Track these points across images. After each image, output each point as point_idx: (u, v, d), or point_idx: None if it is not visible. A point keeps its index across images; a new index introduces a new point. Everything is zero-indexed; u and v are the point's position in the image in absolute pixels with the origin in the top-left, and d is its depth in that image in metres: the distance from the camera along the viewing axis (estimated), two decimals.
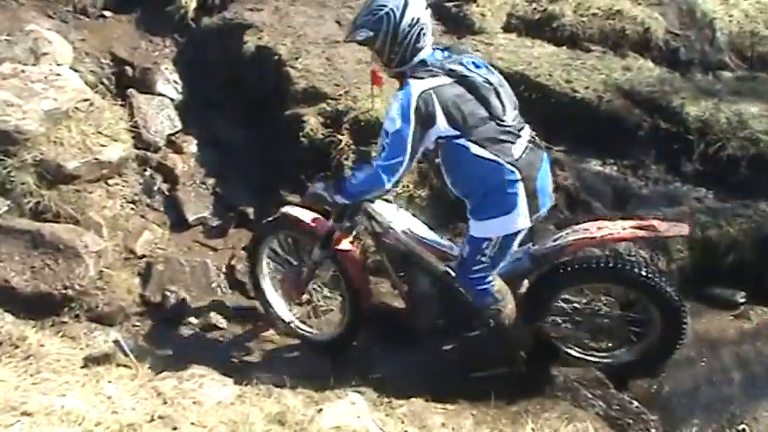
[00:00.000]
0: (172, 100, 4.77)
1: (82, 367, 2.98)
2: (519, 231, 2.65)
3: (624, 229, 2.75)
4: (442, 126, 2.44)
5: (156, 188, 4.39)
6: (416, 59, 2.52)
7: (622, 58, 5.30)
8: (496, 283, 2.75)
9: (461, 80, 2.47)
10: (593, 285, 2.96)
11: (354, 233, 3.12)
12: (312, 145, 4.39)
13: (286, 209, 3.29)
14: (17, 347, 3.12)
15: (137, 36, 5.31)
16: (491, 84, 2.53)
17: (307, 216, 3.15)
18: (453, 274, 2.83)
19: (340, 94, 4.47)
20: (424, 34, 2.49)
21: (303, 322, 3.50)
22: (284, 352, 3.54)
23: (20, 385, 2.75)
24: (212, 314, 3.64)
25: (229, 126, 4.65)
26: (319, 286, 3.55)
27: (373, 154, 3.46)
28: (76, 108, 4.43)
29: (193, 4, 5.22)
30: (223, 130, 4.68)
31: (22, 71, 4.54)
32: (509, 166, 2.51)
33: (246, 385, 3.00)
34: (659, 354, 2.98)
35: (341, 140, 4.39)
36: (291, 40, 4.93)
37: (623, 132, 4.68)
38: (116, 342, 3.17)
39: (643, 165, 4.57)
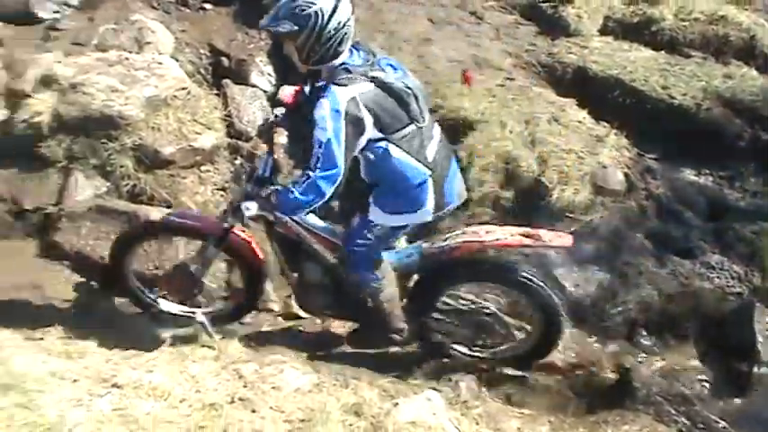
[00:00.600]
0: (265, 92, 4.87)
1: (169, 345, 3.08)
2: (408, 225, 2.87)
3: (512, 235, 2.90)
4: (370, 131, 2.52)
5: (245, 178, 4.44)
6: (335, 61, 2.56)
7: (724, 66, 5.09)
8: (380, 264, 2.88)
9: (383, 86, 2.52)
10: (477, 284, 3.13)
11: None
12: None
13: (159, 216, 3.43)
14: (111, 322, 3.26)
15: (234, 28, 5.47)
16: (410, 89, 2.59)
17: (188, 217, 3.30)
18: (341, 262, 2.96)
19: None
20: (347, 38, 2.53)
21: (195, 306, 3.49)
22: None
23: (111, 358, 2.89)
24: (293, 303, 3.69)
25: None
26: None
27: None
28: (175, 96, 4.61)
29: None
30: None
31: (127, 59, 4.76)
32: (423, 168, 2.65)
33: (324, 375, 3.04)
34: (537, 352, 3.16)
35: None
36: (384, 36, 4.97)
37: (721, 142, 4.50)
38: (201, 323, 3.23)
39: (741, 176, 4.40)
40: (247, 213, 2.79)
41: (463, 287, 3.13)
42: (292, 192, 2.64)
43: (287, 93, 3.07)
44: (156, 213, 3.57)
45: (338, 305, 3.13)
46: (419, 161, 2.65)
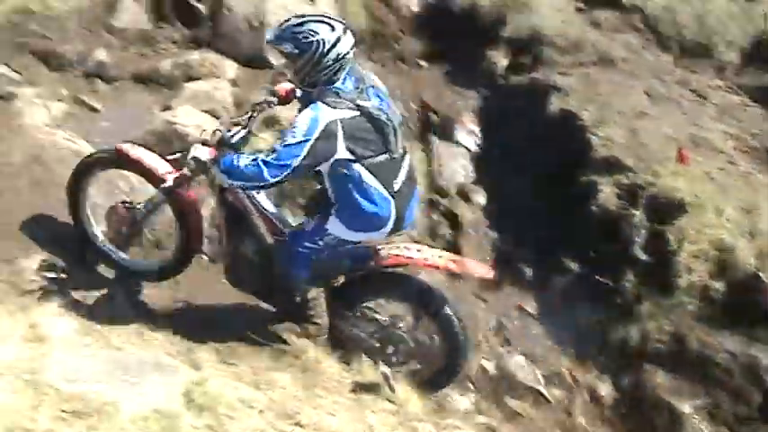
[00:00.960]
0: (468, 150, 4.96)
1: (350, 391, 3.12)
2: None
3: (440, 257, 3.06)
4: (341, 154, 2.65)
5: (440, 233, 4.55)
6: (329, 87, 2.68)
7: None
8: (315, 265, 3.00)
9: (367, 115, 2.67)
10: (394, 300, 3.22)
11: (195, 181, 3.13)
12: (603, 215, 4.30)
13: (125, 146, 3.23)
14: (298, 358, 3.32)
15: (444, 86, 5.66)
16: (391, 121, 2.75)
17: (150, 159, 3.17)
18: (278, 244, 3.04)
19: None
20: (343, 69, 2.68)
21: (125, 252, 3.49)
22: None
23: (296, 395, 2.95)
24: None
25: (521, 184, 4.71)
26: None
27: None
28: None
29: (505, 62, 5.44)
30: (514, 187, 4.76)
31: None
32: (388, 195, 2.81)
33: None
34: (444, 375, 3.31)
35: (634, 215, 4.24)
36: (596, 107, 4.89)
37: None
38: (384, 375, 3.21)
39: None
40: (194, 152, 2.88)
41: (386, 300, 3.24)
42: (239, 159, 2.73)
43: (283, 87, 3.20)
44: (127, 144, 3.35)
45: (264, 287, 3.19)
46: (386, 188, 2.79)
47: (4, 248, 3.39)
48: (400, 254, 3.05)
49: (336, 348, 3.33)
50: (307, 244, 2.97)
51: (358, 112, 2.69)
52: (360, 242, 3.03)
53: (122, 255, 3.52)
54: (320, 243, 2.97)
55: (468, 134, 5.29)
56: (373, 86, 2.87)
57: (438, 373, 3.32)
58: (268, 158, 2.67)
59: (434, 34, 5.96)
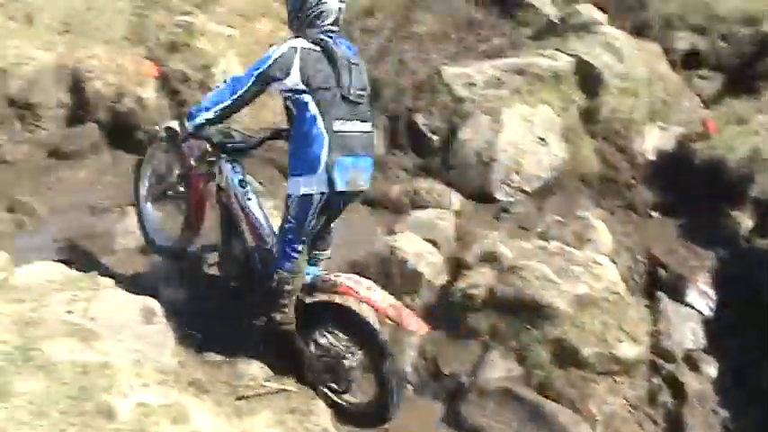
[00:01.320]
0: (701, 314, 4.56)
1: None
2: (314, 196, 2.98)
3: (384, 301, 3.13)
4: (295, 78, 2.89)
5: (660, 400, 4.15)
6: (321, 31, 3.01)
7: None
8: (300, 259, 3.17)
9: (325, 50, 2.93)
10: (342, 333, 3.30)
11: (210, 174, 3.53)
12: None
13: (173, 123, 3.63)
14: None
15: (677, 240, 5.34)
16: (349, 62, 2.97)
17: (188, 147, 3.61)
18: (258, 249, 3.35)
19: None
20: (323, 16, 3.00)
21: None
22: None
23: None
24: None
25: (760, 359, 4.15)
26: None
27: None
28: (605, 298, 4.59)
29: (750, 224, 5.00)
30: (751, 362, 4.20)
31: (566, 252, 4.95)
32: (326, 133, 2.90)
33: None
34: (366, 417, 3.37)
35: None
36: None
37: None
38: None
39: None
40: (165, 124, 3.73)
41: (336, 330, 3.31)
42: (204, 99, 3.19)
43: None
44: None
45: (245, 282, 3.42)
46: (326, 127, 2.90)
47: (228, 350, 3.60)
48: (350, 286, 3.15)
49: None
50: (287, 227, 3.13)
51: (319, 48, 2.96)
52: (311, 202, 3.01)
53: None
54: (290, 218, 3.09)
55: (701, 296, 4.87)
56: (348, 42, 3.20)
57: (368, 409, 3.40)
58: (227, 81, 3.10)
59: (669, 185, 5.74)
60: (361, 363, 3.35)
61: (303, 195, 3.02)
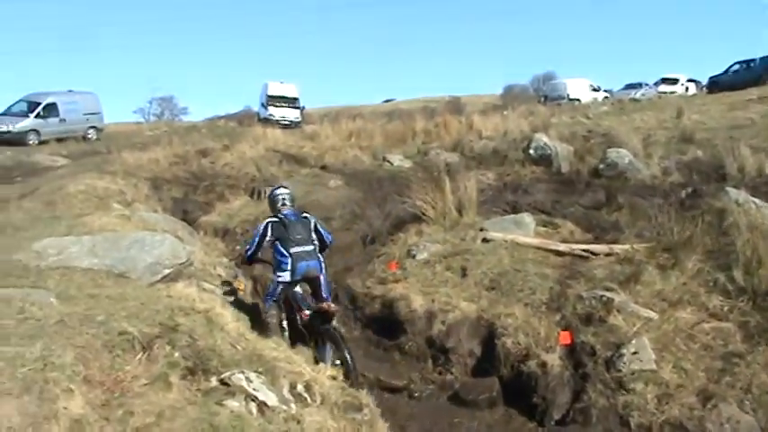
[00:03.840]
0: None
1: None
2: (286, 282, 6.63)
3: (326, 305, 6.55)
4: (269, 236, 6.60)
5: None
6: (279, 211, 6.80)
7: None
8: (273, 302, 6.75)
9: (282, 221, 6.62)
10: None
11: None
12: None
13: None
14: None
15: None
16: (295, 223, 6.68)
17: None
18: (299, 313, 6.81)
19: None
20: (283, 204, 6.90)
21: None
22: None
23: None
24: None
25: None
26: None
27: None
28: None
29: None
30: None
31: None
32: (287, 253, 6.51)
33: None
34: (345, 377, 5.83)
35: None
36: None
37: None
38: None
39: None
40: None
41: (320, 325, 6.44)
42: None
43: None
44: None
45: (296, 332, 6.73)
46: (288, 251, 6.53)
47: None
48: (324, 306, 6.44)
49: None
50: (268, 293, 6.94)
51: (279, 219, 6.67)
52: (290, 282, 6.65)
53: None
54: (271, 290, 6.81)
55: None
56: (295, 214, 6.91)
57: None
58: (247, 246, 7.00)
59: None
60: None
61: (280, 283, 6.64)
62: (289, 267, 6.51)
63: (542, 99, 39.17)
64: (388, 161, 17.44)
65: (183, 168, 18.19)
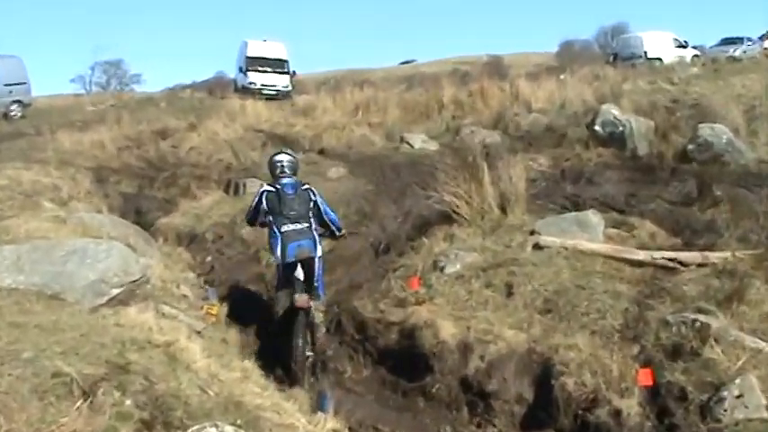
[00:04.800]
0: None
1: None
2: (281, 265, 8.11)
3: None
4: (264, 206, 8.17)
5: None
6: (278, 180, 8.32)
7: None
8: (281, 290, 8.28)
9: (278, 192, 8.08)
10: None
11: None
12: None
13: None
14: None
15: None
16: (290, 197, 8.07)
17: None
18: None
19: None
20: (282, 173, 8.37)
21: None
22: None
23: None
24: None
25: None
26: None
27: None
28: None
29: None
30: None
31: None
32: (278, 233, 7.95)
33: None
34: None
35: None
36: None
37: None
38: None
39: None
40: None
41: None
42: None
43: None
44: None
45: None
46: (279, 230, 7.93)
47: None
48: (297, 301, 7.82)
49: None
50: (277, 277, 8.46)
51: (274, 189, 8.10)
52: (287, 265, 8.07)
53: None
54: (280, 275, 8.27)
55: None
56: (294, 185, 8.28)
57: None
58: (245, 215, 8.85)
59: None
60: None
61: (278, 264, 8.17)
62: (279, 249, 7.99)
63: (611, 58, 39.03)
64: (407, 142, 17.47)
65: (135, 155, 18.33)
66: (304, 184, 8.43)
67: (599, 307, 7.51)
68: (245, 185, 14.66)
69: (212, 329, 7.95)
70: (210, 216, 13.68)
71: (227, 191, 15.23)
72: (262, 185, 8.78)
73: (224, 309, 9.00)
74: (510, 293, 8.10)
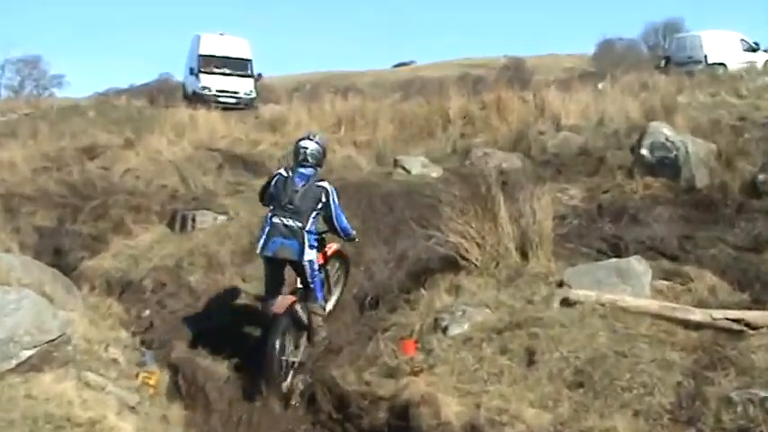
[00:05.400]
0: None
1: None
2: (262, 256, 9.84)
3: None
4: (271, 189, 9.92)
5: None
6: (295, 166, 9.94)
7: None
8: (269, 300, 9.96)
9: (287, 179, 9.70)
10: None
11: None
12: None
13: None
14: None
15: None
16: (296, 189, 9.58)
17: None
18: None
19: None
20: (303, 160, 9.87)
21: None
22: None
23: None
24: None
25: None
26: None
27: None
28: None
29: None
30: None
31: None
32: (268, 222, 9.62)
33: None
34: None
35: None
36: None
37: None
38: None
39: None
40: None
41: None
42: None
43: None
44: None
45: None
46: (270, 219, 9.59)
47: None
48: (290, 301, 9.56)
49: None
50: None
51: (285, 176, 9.74)
52: (268, 260, 9.77)
53: None
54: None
55: None
56: (307, 177, 9.74)
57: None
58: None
59: None
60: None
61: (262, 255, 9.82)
62: (262, 239, 9.60)
63: (663, 63, 39.31)
64: (403, 167, 17.54)
65: (55, 178, 18.32)
66: (321, 180, 9.78)
67: (644, 380, 7.50)
68: (194, 219, 14.59)
69: (149, 404, 7.93)
70: (150, 258, 13.62)
71: (171, 225, 15.14)
72: (278, 170, 10.34)
73: (165, 377, 8.96)
74: (531, 362, 8.10)
